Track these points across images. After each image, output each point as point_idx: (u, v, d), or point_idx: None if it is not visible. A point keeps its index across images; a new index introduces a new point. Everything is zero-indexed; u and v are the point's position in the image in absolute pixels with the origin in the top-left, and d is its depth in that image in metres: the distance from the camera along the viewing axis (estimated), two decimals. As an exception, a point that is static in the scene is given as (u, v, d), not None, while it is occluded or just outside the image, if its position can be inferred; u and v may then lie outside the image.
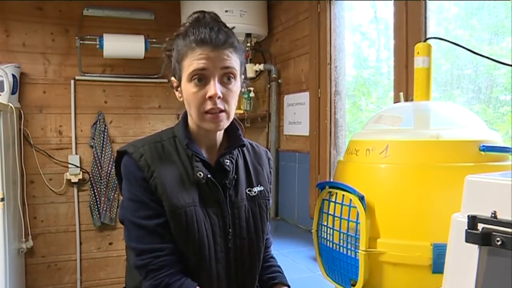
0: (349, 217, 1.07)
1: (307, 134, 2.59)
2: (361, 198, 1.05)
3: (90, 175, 3.13)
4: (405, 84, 1.79)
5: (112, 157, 3.15)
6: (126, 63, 3.19)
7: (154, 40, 3.05)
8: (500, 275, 0.64)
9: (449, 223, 0.75)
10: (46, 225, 3.09)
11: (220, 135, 1.16)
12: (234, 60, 1.06)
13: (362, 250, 1.03)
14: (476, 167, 0.99)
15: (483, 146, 1.03)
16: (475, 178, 0.73)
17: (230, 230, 1.11)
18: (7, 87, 2.64)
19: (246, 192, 1.16)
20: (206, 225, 1.08)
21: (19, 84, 2.90)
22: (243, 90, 2.43)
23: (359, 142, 1.18)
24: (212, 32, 1.03)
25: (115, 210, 3.17)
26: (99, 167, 3.13)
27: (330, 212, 1.14)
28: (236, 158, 1.17)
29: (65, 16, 3.06)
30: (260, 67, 2.99)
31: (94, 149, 3.13)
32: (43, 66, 3.05)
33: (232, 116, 1.10)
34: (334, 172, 1.30)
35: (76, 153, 3.13)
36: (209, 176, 1.08)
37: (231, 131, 1.17)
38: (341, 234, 1.10)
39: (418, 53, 1.19)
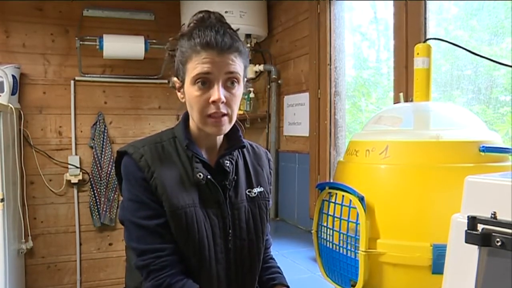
0: (349, 217, 1.07)
1: (307, 134, 2.59)
2: (361, 199, 1.05)
3: (90, 176, 3.13)
4: (405, 85, 1.79)
5: (112, 157, 3.15)
6: (126, 64, 3.20)
7: (154, 40, 3.05)
8: (500, 275, 0.64)
9: (449, 224, 0.75)
10: (46, 225, 3.09)
11: (220, 136, 1.16)
12: (238, 65, 1.05)
13: (362, 251, 1.03)
14: (476, 167, 0.99)
15: (483, 146, 1.03)
16: (475, 178, 0.73)
17: (230, 231, 1.11)
18: (7, 88, 2.64)
19: (246, 193, 1.16)
20: (206, 226, 1.08)
21: (19, 85, 2.90)
22: (243, 91, 2.43)
23: (359, 142, 1.18)
24: (217, 35, 1.02)
25: (115, 211, 3.17)
26: (99, 168, 3.13)
27: (330, 213, 1.14)
28: (236, 159, 1.17)
29: (65, 17, 3.07)
30: (260, 67, 2.99)
31: (94, 150, 3.13)
32: (43, 66, 3.05)
33: (234, 120, 1.10)
34: (334, 173, 1.30)
35: (76, 154, 3.13)
36: (209, 177, 1.08)
37: (231, 132, 1.17)
38: (341, 235, 1.10)
39: (418, 53, 1.19)
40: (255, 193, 1.17)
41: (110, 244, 3.25)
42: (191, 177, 1.08)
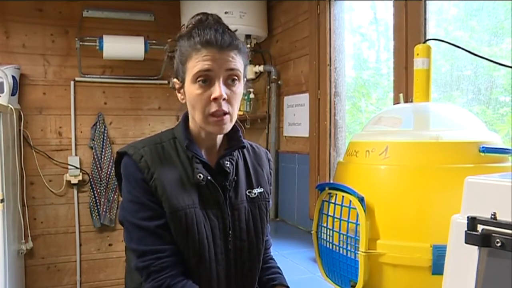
0: (348, 218, 1.07)
1: (307, 135, 2.59)
2: (361, 200, 1.05)
3: (90, 176, 3.13)
4: (404, 85, 1.79)
5: (112, 158, 3.15)
6: (126, 65, 3.19)
7: (154, 41, 3.05)
8: (500, 276, 0.64)
9: (449, 224, 0.75)
10: (45, 226, 3.09)
11: (220, 136, 1.16)
12: (238, 62, 1.06)
13: (362, 252, 1.03)
14: (475, 168, 0.99)
15: (483, 147, 1.03)
16: (474, 179, 0.73)
17: (230, 231, 1.11)
18: (7, 89, 2.64)
19: (246, 194, 1.16)
20: (206, 227, 1.08)
21: (19, 86, 2.90)
22: (243, 91, 2.43)
23: (358, 143, 1.18)
24: (217, 33, 1.03)
25: (114, 212, 3.17)
26: (99, 168, 3.13)
27: (330, 214, 1.14)
28: (236, 160, 1.16)
29: (65, 17, 3.07)
30: (260, 68, 2.99)
31: (94, 150, 3.12)
32: (43, 67, 3.05)
33: (235, 119, 1.10)
34: (334, 173, 1.30)
35: (76, 154, 3.12)
36: (209, 178, 1.08)
37: (231, 133, 1.17)
38: (341, 236, 1.10)
39: (417, 54, 1.19)
40: (255, 193, 1.17)
41: (110, 245, 3.25)
42: (191, 177, 1.08)
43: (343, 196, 1.10)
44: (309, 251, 2.09)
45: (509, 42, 1.51)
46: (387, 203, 1.04)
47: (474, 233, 0.66)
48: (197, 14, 1.10)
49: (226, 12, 2.71)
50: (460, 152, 1.04)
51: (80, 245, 3.17)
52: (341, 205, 1.10)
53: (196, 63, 1.03)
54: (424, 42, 1.21)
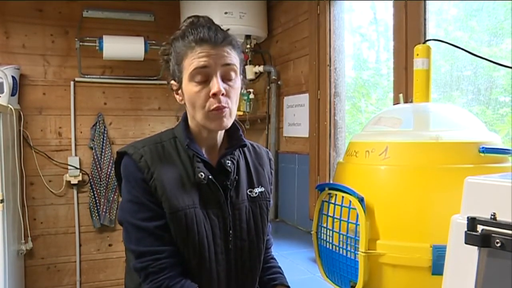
0: (348, 218, 1.07)
1: (307, 135, 2.59)
2: (361, 200, 1.05)
3: (90, 177, 3.13)
4: (404, 86, 1.79)
5: (112, 158, 3.15)
6: (126, 65, 3.20)
7: (153, 41, 3.05)
8: (500, 276, 0.64)
9: (448, 225, 0.75)
10: (45, 226, 3.09)
11: (220, 135, 1.16)
12: (234, 58, 1.07)
13: (362, 252, 1.03)
14: (475, 168, 0.99)
15: (483, 147, 1.03)
16: (474, 179, 0.73)
17: (230, 231, 1.11)
18: (6, 89, 2.64)
19: (247, 193, 1.16)
20: (206, 227, 1.07)
21: (19, 86, 2.90)
22: (242, 91, 2.43)
23: (358, 143, 1.18)
24: (210, 31, 1.04)
25: (114, 212, 3.16)
26: (99, 169, 3.13)
27: (329, 214, 1.14)
28: (237, 159, 1.16)
29: (65, 18, 3.07)
30: (260, 68, 2.99)
31: (93, 151, 3.12)
32: (43, 67, 3.05)
33: (234, 114, 1.10)
34: (334, 174, 1.30)
35: (76, 155, 3.12)
36: (210, 177, 1.08)
37: (232, 132, 1.17)
38: (341, 236, 1.10)
39: (417, 54, 1.19)
40: (256, 193, 1.17)
41: (110, 245, 3.25)
42: (192, 177, 1.08)
43: (343, 197, 1.10)
44: (309, 251, 2.09)
45: (509, 43, 1.51)
46: (387, 204, 1.04)
47: (474, 233, 0.66)
48: (189, 17, 1.11)
49: (226, 12, 2.71)
50: (460, 153, 1.04)
51: (80, 245, 3.17)
52: (341, 206, 1.10)
53: (192, 61, 1.03)
54: (424, 43, 1.21)
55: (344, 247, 1.09)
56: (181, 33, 1.08)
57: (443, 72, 1.80)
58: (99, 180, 3.13)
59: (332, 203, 1.14)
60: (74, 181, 3.07)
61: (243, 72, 1.15)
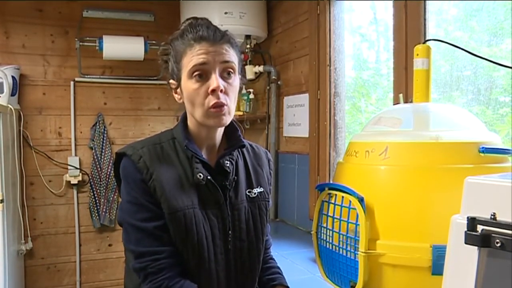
0: (348, 218, 1.07)
1: (307, 135, 2.59)
2: (361, 200, 1.05)
3: (90, 177, 3.13)
4: (404, 86, 1.79)
5: (112, 158, 3.15)
6: (126, 65, 3.20)
7: (153, 41, 3.05)
8: (500, 276, 0.64)
9: (448, 225, 0.75)
10: (45, 226, 3.09)
11: (219, 135, 1.16)
12: (232, 55, 1.07)
13: (362, 252, 1.03)
14: (475, 168, 0.99)
15: (483, 147, 1.03)
16: (474, 179, 0.73)
17: (230, 232, 1.11)
18: (6, 89, 2.64)
19: (246, 194, 1.16)
20: (206, 227, 1.07)
21: (19, 86, 2.90)
22: (242, 91, 2.43)
23: (358, 143, 1.18)
24: (209, 29, 1.06)
25: (114, 212, 3.16)
26: (99, 169, 3.13)
27: (329, 214, 1.14)
28: (236, 159, 1.16)
29: (65, 18, 3.07)
30: (260, 68, 2.99)
31: (93, 151, 3.12)
32: (43, 67, 3.05)
33: (233, 112, 1.10)
34: (334, 174, 1.30)
35: (76, 155, 3.12)
36: (209, 177, 1.08)
37: (231, 132, 1.17)
38: (341, 236, 1.10)
39: (417, 54, 1.19)
40: (255, 193, 1.17)
41: (109, 245, 3.25)
42: (191, 178, 1.08)
43: (342, 197, 1.10)
44: (309, 251, 2.09)
45: (509, 43, 1.51)
46: (387, 204, 1.04)
47: (474, 233, 0.66)
48: (187, 19, 1.12)
49: (226, 13, 2.71)
50: (460, 153, 1.03)
51: (80, 245, 3.17)
52: (341, 206, 1.10)
53: (191, 58, 1.04)
54: (424, 43, 1.21)
55: (344, 247, 1.09)
56: (180, 33, 1.09)
57: (443, 72, 1.80)
58: (99, 180, 3.13)
59: (332, 203, 1.14)
60: (74, 181, 3.07)
61: (242, 72, 1.16)
